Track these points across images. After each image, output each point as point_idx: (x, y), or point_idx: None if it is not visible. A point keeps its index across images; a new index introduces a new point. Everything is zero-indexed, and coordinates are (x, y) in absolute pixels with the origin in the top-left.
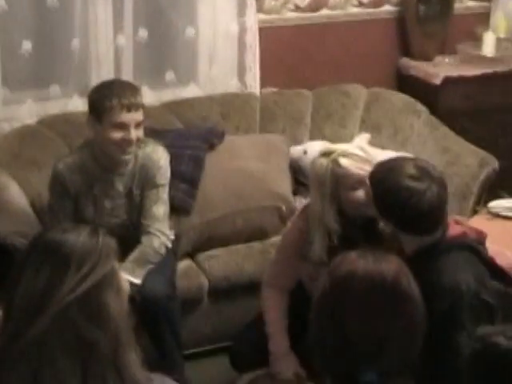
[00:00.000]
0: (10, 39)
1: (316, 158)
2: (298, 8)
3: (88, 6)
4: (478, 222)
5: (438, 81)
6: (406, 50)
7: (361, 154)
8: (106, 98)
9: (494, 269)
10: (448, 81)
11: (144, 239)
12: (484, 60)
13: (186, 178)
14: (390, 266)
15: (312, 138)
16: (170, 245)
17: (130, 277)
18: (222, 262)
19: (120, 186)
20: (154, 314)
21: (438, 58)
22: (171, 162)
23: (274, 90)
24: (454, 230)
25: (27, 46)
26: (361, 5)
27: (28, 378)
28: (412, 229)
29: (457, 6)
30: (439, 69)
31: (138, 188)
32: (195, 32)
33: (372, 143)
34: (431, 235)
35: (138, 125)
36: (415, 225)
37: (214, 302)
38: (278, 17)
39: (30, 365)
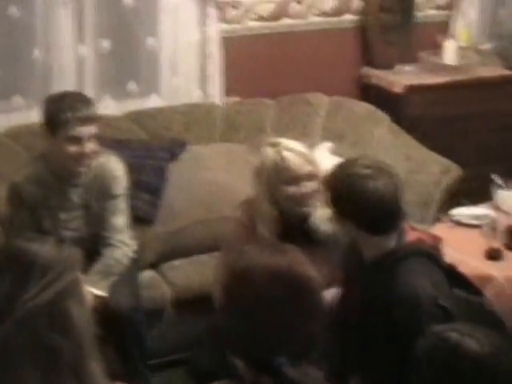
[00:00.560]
0: None
1: (263, 148)
2: (260, 17)
3: (49, 16)
4: (440, 230)
5: (399, 89)
6: (368, 59)
7: (306, 153)
8: (59, 111)
9: (454, 276)
10: (409, 89)
11: (106, 251)
12: (445, 68)
13: (149, 188)
14: (285, 256)
15: None
16: (132, 254)
17: (93, 289)
18: (186, 272)
19: (75, 198)
20: (120, 325)
21: (400, 67)
22: (134, 172)
23: (237, 99)
24: (410, 236)
25: None
26: (322, 14)
27: None
28: (372, 227)
29: (418, 14)
30: (400, 77)
31: (94, 199)
32: (157, 42)
33: (334, 152)
34: (389, 235)
35: (92, 138)
36: (375, 222)
37: (177, 312)
38: (240, 26)
39: None
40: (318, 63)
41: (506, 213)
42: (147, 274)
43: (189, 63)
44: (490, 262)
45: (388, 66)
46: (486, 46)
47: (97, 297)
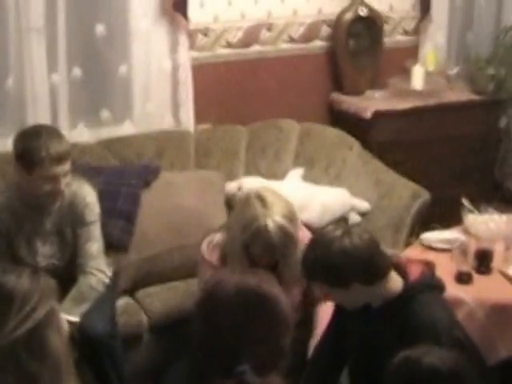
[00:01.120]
0: None
1: (251, 200)
2: (229, 44)
3: (22, 44)
4: (412, 254)
5: (368, 115)
6: (338, 85)
7: (289, 226)
8: (34, 151)
9: None
10: (378, 115)
11: (81, 278)
12: (413, 93)
13: (123, 214)
14: (254, 276)
15: (247, 173)
16: (107, 281)
17: (67, 316)
18: (162, 299)
19: (49, 225)
20: (96, 351)
21: (369, 92)
22: (108, 199)
23: (209, 126)
24: (413, 273)
25: None
26: (291, 40)
27: None
28: (375, 276)
29: (386, 40)
30: (369, 103)
31: (67, 226)
32: (129, 70)
33: (306, 177)
34: (388, 276)
35: (66, 174)
36: (375, 269)
37: (154, 338)
38: (210, 53)
39: None
40: (288, 89)
41: (475, 236)
42: (123, 301)
43: (161, 90)
44: (460, 286)
45: (357, 91)
46: (454, 70)
47: (70, 323)
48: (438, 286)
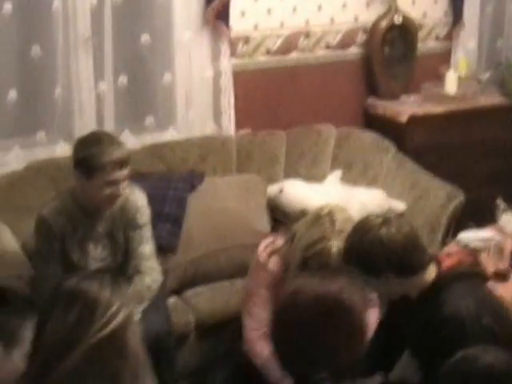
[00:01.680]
0: None
1: (321, 214)
2: (269, 52)
3: (70, 55)
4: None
5: (403, 119)
6: (373, 90)
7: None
8: (96, 157)
9: None
10: (413, 119)
11: (136, 278)
12: (447, 98)
13: (170, 218)
14: (333, 283)
15: (287, 176)
16: (161, 280)
17: None
18: (208, 298)
19: (101, 229)
20: (155, 351)
21: (404, 97)
22: (156, 203)
23: (249, 131)
24: (447, 262)
25: (13, 94)
26: (328, 47)
27: None
28: (409, 269)
29: (420, 45)
30: (404, 107)
31: (119, 230)
32: (172, 78)
33: (344, 179)
34: (424, 270)
35: (126, 179)
36: (410, 262)
37: (200, 336)
38: (250, 61)
39: None
40: (325, 95)
41: (509, 235)
42: (171, 301)
43: (203, 97)
44: (498, 284)
45: (392, 96)
46: (485, 75)
47: None
48: (476, 275)
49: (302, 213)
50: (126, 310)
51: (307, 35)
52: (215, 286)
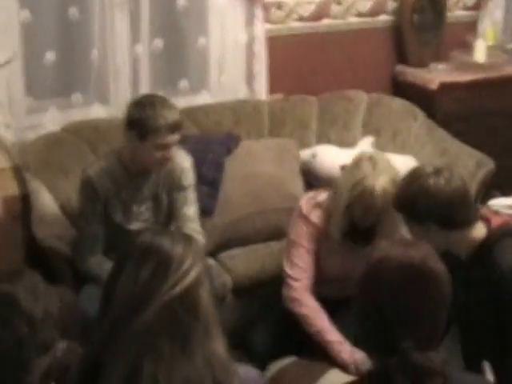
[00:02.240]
0: (34, 50)
1: (362, 161)
2: (301, 18)
3: (106, 18)
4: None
5: (434, 86)
6: (403, 57)
7: (391, 191)
8: (151, 119)
9: None
10: (443, 86)
11: None
12: (475, 66)
13: (208, 181)
14: (417, 250)
15: (319, 141)
16: (204, 241)
17: None
18: (244, 261)
19: (146, 191)
20: None
21: (433, 65)
22: (194, 165)
23: (280, 96)
24: (495, 220)
25: (50, 56)
26: (359, 14)
27: (131, 362)
28: (452, 223)
29: (448, 14)
30: (434, 75)
31: (164, 192)
32: (206, 42)
33: (375, 145)
34: (474, 226)
35: (177, 143)
36: (454, 217)
37: (237, 299)
38: (283, 26)
39: (134, 350)
40: (355, 61)
41: None
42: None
43: (236, 62)
44: None
45: (422, 64)
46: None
47: None
48: None
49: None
50: (198, 267)
51: (338, 2)
52: (251, 249)
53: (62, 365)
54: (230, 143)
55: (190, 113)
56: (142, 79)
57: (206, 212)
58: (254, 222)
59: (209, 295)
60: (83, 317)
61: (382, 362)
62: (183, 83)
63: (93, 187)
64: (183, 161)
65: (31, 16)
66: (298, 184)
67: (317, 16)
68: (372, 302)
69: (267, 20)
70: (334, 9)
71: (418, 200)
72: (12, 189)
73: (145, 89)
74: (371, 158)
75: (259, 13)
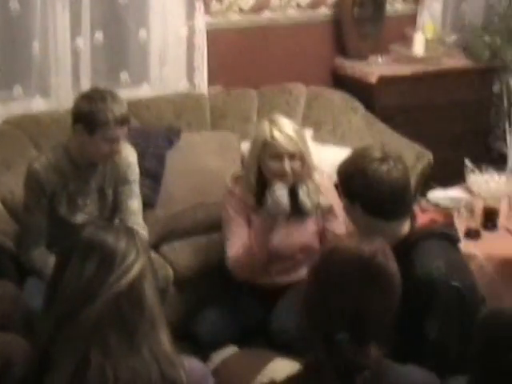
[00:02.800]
0: None
1: (263, 122)
2: (241, 11)
3: (47, 10)
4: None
5: (373, 79)
6: (342, 50)
7: (294, 134)
8: (100, 112)
9: None
10: (382, 79)
11: None
12: (414, 60)
13: (150, 174)
14: (369, 245)
15: None
16: (146, 235)
17: None
18: (186, 253)
19: (93, 184)
20: None
21: (372, 58)
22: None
23: (220, 88)
24: (421, 219)
25: None
26: (299, 7)
27: (79, 355)
28: (379, 211)
29: (388, 8)
30: (373, 68)
31: (109, 185)
32: (147, 34)
33: (314, 138)
34: (402, 221)
35: (125, 136)
36: (386, 206)
37: (179, 291)
38: (223, 19)
39: (81, 343)
40: (295, 54)
41: (477, 195)
42: None
43: (176, 54)
44: (470, 242)
45: (361, 57)
46: (451, 38)
47: None
48: (449, 236)
49: None
50: (141, 261)
51: None
52: (193, 241)
53: (3, 357)
54: (171, 136)
55: (131, 106)
56: (82, 72)
57: (147, 205)
58: (195, 214)
59: (153, 289)
60: (26, 309)
61: (317, 352)
62: (124, 76)
63: (38, 181)
64: (129, 155)
65: None
66: None
67: (257, 9)
68: (319, 292)
69: (208, 13)
70: (274, 2)
71: (353, 179)
72: None
73: (86, 82)
74: (270, 118)
75: (200, 5)
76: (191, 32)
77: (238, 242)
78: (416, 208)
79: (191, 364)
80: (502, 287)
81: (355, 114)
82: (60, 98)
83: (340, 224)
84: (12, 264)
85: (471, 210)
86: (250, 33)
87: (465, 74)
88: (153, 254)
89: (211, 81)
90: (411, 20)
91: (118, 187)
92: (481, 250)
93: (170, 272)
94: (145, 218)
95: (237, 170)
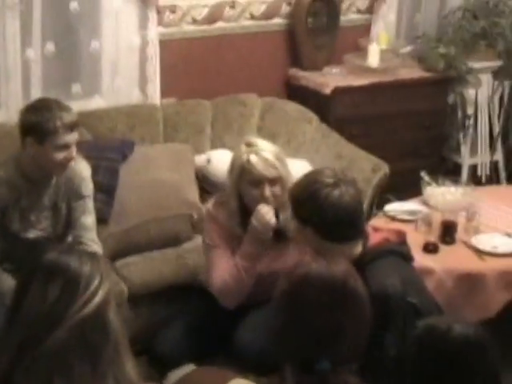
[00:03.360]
0: None
1: (239, 146)
2: (195, 21)
3: None
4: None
5: (327, 90)
6: (296, 61)
7: (272, 159)
8: (48, 121)
9: None
10: (337, 90)
11: None
12: (369, 70)
13: (103, 188)
14: (339, 268)
15: (213, 146)
16: (101, 252)
17: None
18: (140, 268)
19: (46, 199)
20: None
21: (327, 69)
22: None
23: (173, 100)
24: (374, 238)
25: None
26: (253, 17)
27: (42, 381)
28: (331, 235)
29: (342, 18)
30: (328, 79)
31: (63, 200)
32: (100, 45)
33: None
34: (353, 244)
35: (76, 142)
36: (337, 229)
37: (133, 307)
38: (176, 30)
39: (44, 370)
40: (249, 65)
41: (434, 208)
42: None
43: (129, 65)
44: (428, 256)
45: (315, 67)
46: (406, 48)
47: None
48: (402, 254)
49: None
50: (105, 286)
51: (232, 5)
52: (147, 256)
53: None
54: (124, 149)
55: (84, 118)
56: (33, 83)
57: (101, 219)
58: (148, 230)
59: (116, 314)
60: None
61: (298, 380)
62: (76, 87)
63: None
64: (83, 169)
65: None
66: (193, 190)
67: (211, 19)
68: (293, 317)
69: (161, 23)
70: (228, 12)
71: (305, 203)
72: None
73: (36, 93)
74: (246, 140)
75: (153, 16)
76: (144, 42)
77: (223, 268)
78: (368, 228)
79: None
80: (461, 301)
81: (310, 126)
82: (10, 111)
83: None
84: None
85: (429, 224)
86: (203, 43)
87: (420, 85)
88: None
89: (165, 92)
90: (365, 30)
91: (72, 202)
92: (439, 264)
93: (124, 288)
94: (98, 233)
95: (217, 197)
